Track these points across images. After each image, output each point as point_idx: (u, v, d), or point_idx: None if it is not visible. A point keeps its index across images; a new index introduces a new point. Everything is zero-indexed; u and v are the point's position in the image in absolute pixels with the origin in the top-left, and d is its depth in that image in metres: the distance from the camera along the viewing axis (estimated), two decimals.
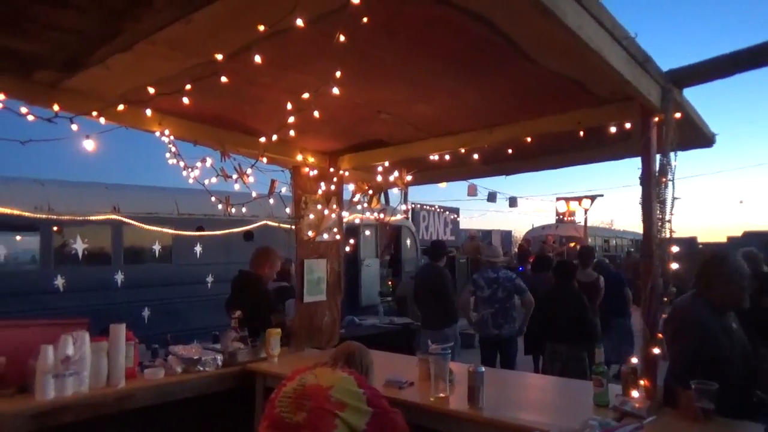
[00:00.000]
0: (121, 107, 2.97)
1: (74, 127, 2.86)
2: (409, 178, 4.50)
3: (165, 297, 7.63)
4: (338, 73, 2.32)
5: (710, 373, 2.38)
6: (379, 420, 2.31)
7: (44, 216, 6.63)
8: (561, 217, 20.81)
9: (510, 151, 3.92)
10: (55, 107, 2.81)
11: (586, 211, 17.87)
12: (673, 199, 2.67)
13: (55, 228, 6.87)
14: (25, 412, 2.64)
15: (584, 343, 5.27)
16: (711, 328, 2.60)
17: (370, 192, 4.71)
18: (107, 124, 3.01)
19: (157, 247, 7.76)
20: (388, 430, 2.34)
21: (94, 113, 2.92)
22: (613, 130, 3.17)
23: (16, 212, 6.37)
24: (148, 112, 3.14)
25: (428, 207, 16.53)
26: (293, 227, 4.40)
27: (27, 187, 6.91)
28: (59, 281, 6.76)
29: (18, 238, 7.21)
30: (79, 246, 7.07)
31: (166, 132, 3.40)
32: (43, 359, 2.75)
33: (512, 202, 11.79)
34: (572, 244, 16.67)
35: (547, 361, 5.60)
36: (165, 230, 7.70)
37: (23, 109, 2.78)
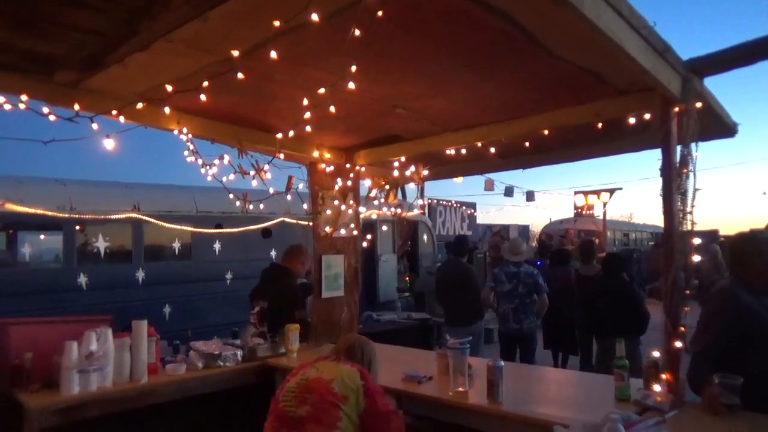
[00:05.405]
0: (139, 106, 3.00)
1: (95, 126, 2.90)
2: (425, 173, 4.48)
3: (185, 294, 7.71)
4: (353, 68, 2.32)
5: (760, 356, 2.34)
6: (370, 415, 2.27)
7: (67, 215, 6.73)
8: (579, 210, 20.56)
9: (527, 144, 3.88)
10: (76, 107, 2.86)
11: (604, 204, 17.66)
12: (695, 190, 2.63)
13: (77, 227, 6.97)
14: (51, 406, 2.70)
15: (636, 335, 4.99)
16: (751, 308, 2.47)
17: (387, 187, 4.71)
18: (126, 123, 3.06)
19: (176, 245, 7.83)
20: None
21: (114, 112, 2.96)
22: (632, 121, 3.12)
23: (40, 212, 6.48)
24: (167, 110, 3.18)
25: (445, 202, 16.48)
26: (310, 223, 4.42)
27: (50, 187, 7.02)
28: (82, 279, 6.86)
29: (42, 237, 7.38)
30: (101, 244, 7.18)
31: (184, 130, 3.43)
32: (67, 355, 2.81)
33: (529, 196, 11.63)
34: (594, 239, 16.49)
35: (599, 357, 5.40)
36: (184, 228, 7.76)
37: (45, 110, 2.83)
